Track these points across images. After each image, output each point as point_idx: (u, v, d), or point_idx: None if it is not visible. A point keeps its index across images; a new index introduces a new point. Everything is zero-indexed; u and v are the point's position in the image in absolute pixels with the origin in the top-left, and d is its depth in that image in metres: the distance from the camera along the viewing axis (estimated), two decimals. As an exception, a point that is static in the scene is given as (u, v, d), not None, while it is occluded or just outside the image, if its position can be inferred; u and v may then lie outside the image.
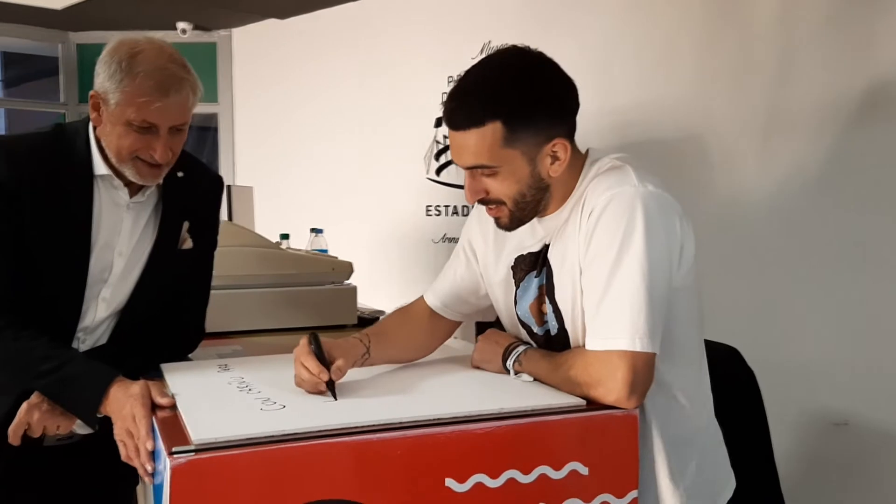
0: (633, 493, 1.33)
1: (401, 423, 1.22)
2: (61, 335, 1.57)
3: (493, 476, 1.25)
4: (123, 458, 1.34)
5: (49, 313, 1.55)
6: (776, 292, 2.58)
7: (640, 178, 1.38)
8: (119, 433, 1.34)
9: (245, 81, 4.89)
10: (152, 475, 1.29)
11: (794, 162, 2.63)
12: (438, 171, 3.85)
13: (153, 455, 1.28)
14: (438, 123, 3.84)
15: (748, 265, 2.66)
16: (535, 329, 1.54)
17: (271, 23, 4.71)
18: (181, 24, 4.83)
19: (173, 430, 1.23)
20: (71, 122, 1.66)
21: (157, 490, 1.26)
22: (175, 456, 1.09)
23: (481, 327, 1.84)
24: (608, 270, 1.33)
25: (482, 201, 1.48)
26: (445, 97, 1.46)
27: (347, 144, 4.19)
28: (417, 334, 1.72)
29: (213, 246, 1.78)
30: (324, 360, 1.41)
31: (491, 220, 1.55)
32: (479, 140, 1.39)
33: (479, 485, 1.24)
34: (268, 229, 2.68)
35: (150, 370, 1.56)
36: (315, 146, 4.38)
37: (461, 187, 3.70)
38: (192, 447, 1.11)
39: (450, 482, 1.22)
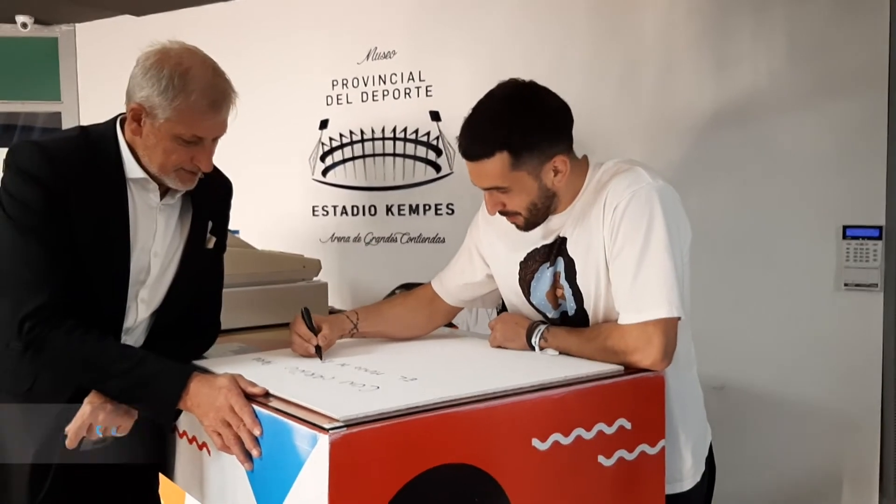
0: (662, 443, 1.59)
1: (495, 393, 1.39)
2: (108, 337, 1.58)
3: (566, 434, 1.45)
4: (219, 447, 1.40)
5: (96, 315, 1.54)
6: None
7: (652, 176, 1.64)
8: (213, 424, 1.39)
9: (90, 79, 4.66)
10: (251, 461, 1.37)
11: (675, 161, 3.04)
12: (325, 173, 3.93)
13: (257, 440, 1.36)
14: (323, 125, 3.92)
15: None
16: (550, 314, 1.76)
17: (125, 19, 4.53)
18: (21, 18, 4.55)
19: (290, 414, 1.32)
20: (94, 124, 1.65)
21: (254, 476, 1.34)
22: (332, 432, 1.19)
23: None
24: (637, 254, 1.58)
25: (502, 212, 1.73)
26: (460, 131, 1.67)
27: (227, 147, 4.13)
28: (417, 314, 1.96)
29: (225, 246, 1.83)
30: (314, 331, 1.71)
31: (499, 226, 1.81)
32: (491, 168, 1.64)
33: (556, 443, 1.43)
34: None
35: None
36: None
37: (348, 188, 3.89)
38: (342, 423, 1.22)
39: (535, 442, 1.41)
